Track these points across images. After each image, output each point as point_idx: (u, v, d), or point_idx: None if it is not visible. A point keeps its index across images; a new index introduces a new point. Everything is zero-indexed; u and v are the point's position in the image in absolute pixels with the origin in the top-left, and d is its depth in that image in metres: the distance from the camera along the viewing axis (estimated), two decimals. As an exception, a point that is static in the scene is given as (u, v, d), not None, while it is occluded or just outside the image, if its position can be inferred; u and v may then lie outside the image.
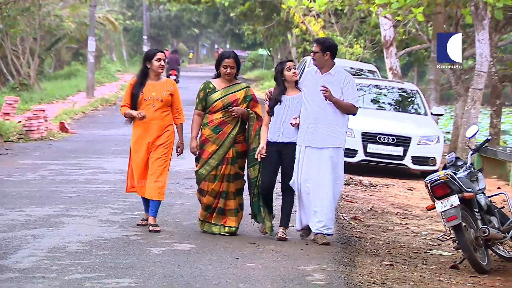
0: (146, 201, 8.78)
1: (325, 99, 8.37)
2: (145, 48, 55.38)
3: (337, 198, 8.74)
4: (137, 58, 57.51)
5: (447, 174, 7.80)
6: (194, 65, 64.11)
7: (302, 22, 30.09)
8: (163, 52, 8.74)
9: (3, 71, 30.08)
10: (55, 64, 43.68)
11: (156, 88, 8.65)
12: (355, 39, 29.26)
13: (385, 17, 21.56)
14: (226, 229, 8.66)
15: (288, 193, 8.61)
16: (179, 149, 8.78)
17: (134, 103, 8.63)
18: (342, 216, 10.49)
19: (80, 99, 29.36)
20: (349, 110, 8.51)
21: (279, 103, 8.53)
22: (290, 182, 8.49)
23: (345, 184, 13.73)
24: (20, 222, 8.95)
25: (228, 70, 8.59)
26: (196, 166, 8.70)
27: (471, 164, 8.37)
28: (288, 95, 8.58)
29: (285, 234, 8.56)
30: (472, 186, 7.99)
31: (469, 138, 8.69)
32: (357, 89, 16.53)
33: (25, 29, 28.51)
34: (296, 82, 8.62)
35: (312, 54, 8.57)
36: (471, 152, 8.53)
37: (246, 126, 8.69)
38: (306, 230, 8.65)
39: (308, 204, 8.44)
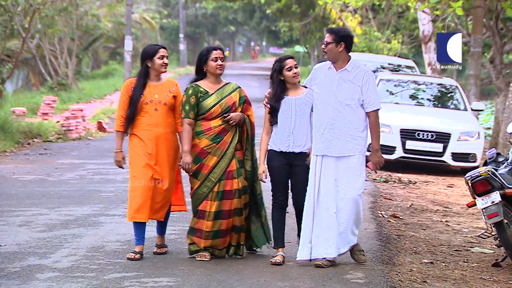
0: (139, 230, 7.43)
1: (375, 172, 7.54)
2: (182, 47, 55.71)
3: (361, 213, 7.39)
4: (173, 57, 57.76)
5: (488, 171, 7.68)
6: (230, 63, 64.30)
7: (339, 18, 29.97)
8: (165, 48, 7.59)
9: (42, 71, 30.39)
10: (92, 63, 44.07)
11: (158, 89, 7.46)
12: (393, 35, 29.09)
13: (423, 11, 21.37)
14: (240, 250, 7.52)
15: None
16: (181, 161, 7.43)
17: (133, 108, 7.40)
18: (381, 213, 10.39)
19: (118, 98, 29.53)
20: (379, 123, 7.36)
21: (279, 108, 7.39)
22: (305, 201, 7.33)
23: (384, 182, 13.63)
24: (60, 221, 9.01)
25: (219, 62, 7.41)
26: (194, 184, 7.39)
27: (513, 160, 8.22)
28: (291, 96, 7.42)
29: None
30: (514, 183, 7.85)
31: (510, 133, 8.53)
32: (395, 85, 16.68)
33: (63, 29, 28.78)
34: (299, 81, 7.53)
35: (324, 45, 7.35)
36: (513, 148, 8.38)
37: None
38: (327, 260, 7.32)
39: (329, 226, 7.25)
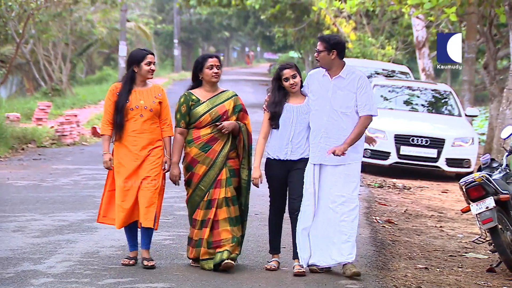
0: (131, 235, 7.37)
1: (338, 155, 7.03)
2: (176, 52, 55.70)
3: (356, 222, 7.20)
4: (167, 62, 57.82)
5: (482, 176, 7.70)
6: (225, 69, 64.31)
7: (333, 24, 30.02)
8: (153, 54, 7.41)
9: (36, 77, 30.35)
10: (86, 69, 44.04)
11: (144, 95, 7.29)
12: (387, 40, 29.15)
13: (417, 17, 21.42)
14: (225, 254, 7.11)
15: (298, 216, 7.27)
16: (166, 165, 7.31)
17: (119, 113, 7.22)
18: (375, 219, 10.40)
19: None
20: (364, 128, 7.14)
21: (281, 113, 7.24)
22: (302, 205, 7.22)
23: (378, 187, 13.64)
24: (54, 227, 8.99)
25: (215, 70, 7.26)
26: (187, 191, 7.34)
27: (507, 165, 8.23)
28: (292, 103, 7.28)
29: (302, 268, 7.21)
30: (508, 188, 7.86)
31: (504, 139, 8.55)
32: (389, 90, 16.70)
33: (57, 34, 28.76)
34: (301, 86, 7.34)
35: (316, 54, 7.23)
36: (507, 153, 8.40)
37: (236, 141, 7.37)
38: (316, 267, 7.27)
39: (327, 234, 7.15)
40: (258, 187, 7.34)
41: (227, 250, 7.13)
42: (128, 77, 7.29)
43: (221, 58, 7.70)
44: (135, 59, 7.27)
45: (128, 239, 7.39)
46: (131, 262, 7.28)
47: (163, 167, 7.30)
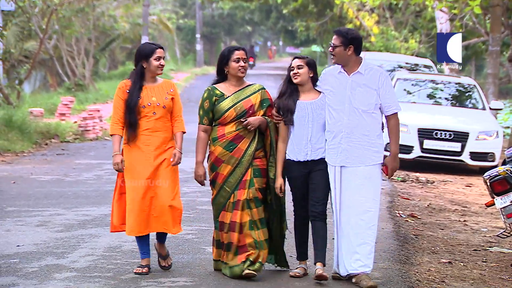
0: (143, 242, 6.89)
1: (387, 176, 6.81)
2: (198, 47, 55.75)
3: (376, 225, 6.79)
4: (190, 57, 57.92)
5: (507, 170, 7.64)
6: (248, 63, 64.05)
7: (356, 18, 29.93)
8: (163, 48, 6.95)
9: (59, 72, 30.51)
10: (109, 64, 44.19)
11: (156, 92, 6.86)
12: (410, 34, 29.03)
13: (441, 10, 21.27)
14: (256, 266, 6.76)
15: (319, 220, 6.80)
16: (176, 157, 6.82)
17: (132, 112, 6.81)
18: (398, 213, 10.35)
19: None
20: (398, 126, 6.83)
21: (294, 108, 6.79)
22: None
23: (401, 181, 13.58)
24: (77, 221, 9.03)
25: (242, 63, 6.79)
26: (212, 192, 6.90)
27: (532, 159, 8.16)
28: (304, 100, 6.84)
29: (323, 271, 6.77)
30: (533, 182, 7.79)
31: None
32: (413, 84, 16.61)
33: (80, 30, 28.88)
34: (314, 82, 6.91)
35: (330, 48, 6.79)
36: (532, 147, 8.32)
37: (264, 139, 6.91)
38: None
39: (352, 239, 6.73)
40: (280, 196, 6.87)
41: (249, 260, 6.73)
42: (138, 73, 6.87)
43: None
44: (143, 54, 6.83)
45: (139, 246, 6.91)
46: (144, 270, 6.80)
47: (171, 160, 6.83)
